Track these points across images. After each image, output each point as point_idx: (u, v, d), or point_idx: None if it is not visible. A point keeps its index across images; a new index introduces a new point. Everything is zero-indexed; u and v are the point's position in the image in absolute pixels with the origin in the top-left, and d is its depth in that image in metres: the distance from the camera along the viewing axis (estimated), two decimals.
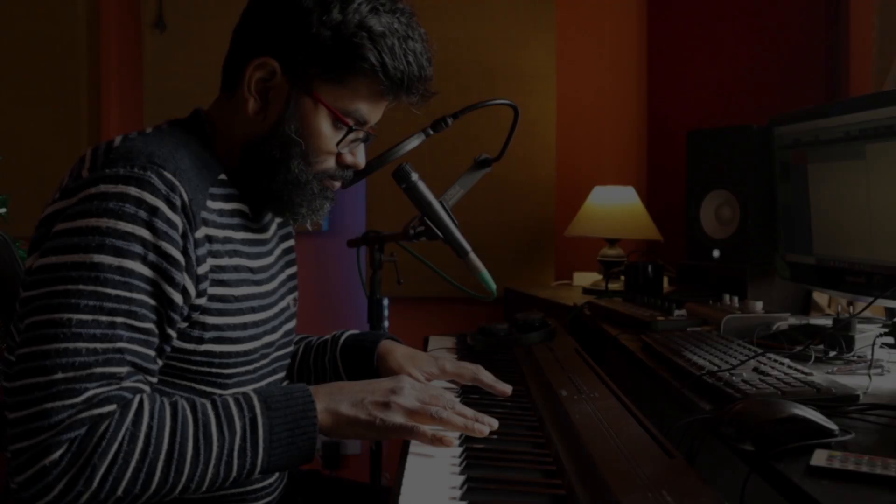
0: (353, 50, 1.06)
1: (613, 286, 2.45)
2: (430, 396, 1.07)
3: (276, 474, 1.20)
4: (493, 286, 1.51)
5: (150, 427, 0.91)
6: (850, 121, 1.52)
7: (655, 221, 2.67)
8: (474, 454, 1.00)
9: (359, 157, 1.17)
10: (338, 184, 1.18)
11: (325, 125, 1.10)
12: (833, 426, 0.93)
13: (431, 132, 1.45)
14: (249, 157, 1.12)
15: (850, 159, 1.52)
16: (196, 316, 1.03)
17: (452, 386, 1.34)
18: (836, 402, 1.08)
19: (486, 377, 1.30)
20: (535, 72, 2.92)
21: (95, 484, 0.88)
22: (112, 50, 3.04)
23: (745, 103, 2.68)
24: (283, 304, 1.22)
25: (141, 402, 0.93)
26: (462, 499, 0.87)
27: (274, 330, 1.17)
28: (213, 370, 1.06)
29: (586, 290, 2.55)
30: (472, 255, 1.49)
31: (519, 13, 2.91)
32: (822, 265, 1.66)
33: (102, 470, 0.88)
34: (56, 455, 0.87)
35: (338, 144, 1.13)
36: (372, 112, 1.13)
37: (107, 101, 3.03)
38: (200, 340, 1.04)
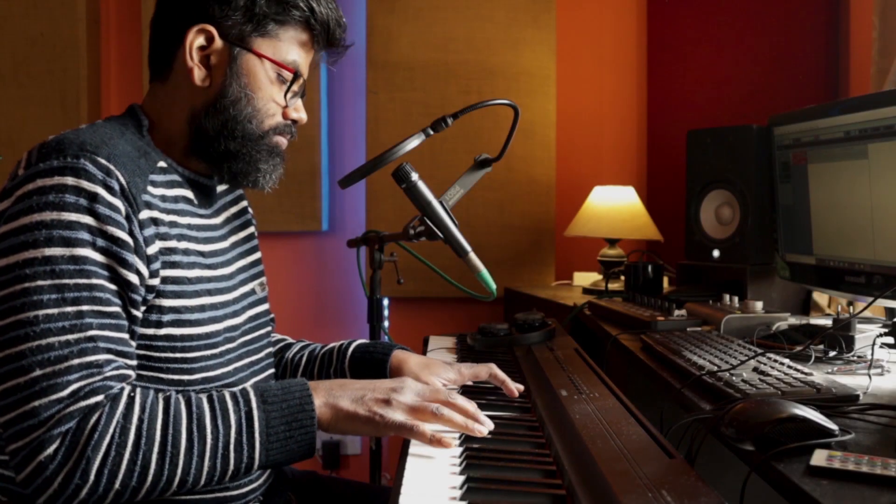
0: (284, 1, 1.14)
1: (613, 286, 2.45)
2: (432, 392, 1.09)
3: None
4: (493, 286, 1.51)
5: (140, 420, 0.93)
6: (850, 121, 1.52)
7: (655, 221, 2.67)
8: (474, 454, 1.00)
9: (301, 112, 1.22)
10: (285, 141, 1.22)
11: (268, 79, 1.16)
12: (833, 426, 0.93)
13: (431, 132, 1.45)
14: (202, 124, 1.15)
15: (852, 159, 1.52)
16: (152, 299, 1.04)
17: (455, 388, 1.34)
18: (836, 402, 1.08)
19: (501, 373, 1.31)
20: (535, 72, 2.92)
21: (92, 477, 0.89)
22: (112, 50, 3.04)
23: (745, 103, 2.68)
24: (244, 290, 1.23)
25: (131, 395, 0.94)
26: (462, 499, 0.87)
27: (236, 314, 1.19)
28: (177, 355, 1.07)
29: (586, 290, 2.56)
30: (472, 255, 1.49)
31: (519, 13, 2.91)
32: (822, 265, 1.66)
33: (97, 463, 0.89)
34: (50, 450, 0.89)
35: (285, 96, 1.18)
36: (304, 64, 1.20)
37: (107, 101, 3.03)
38: (159, 324, 1.05)
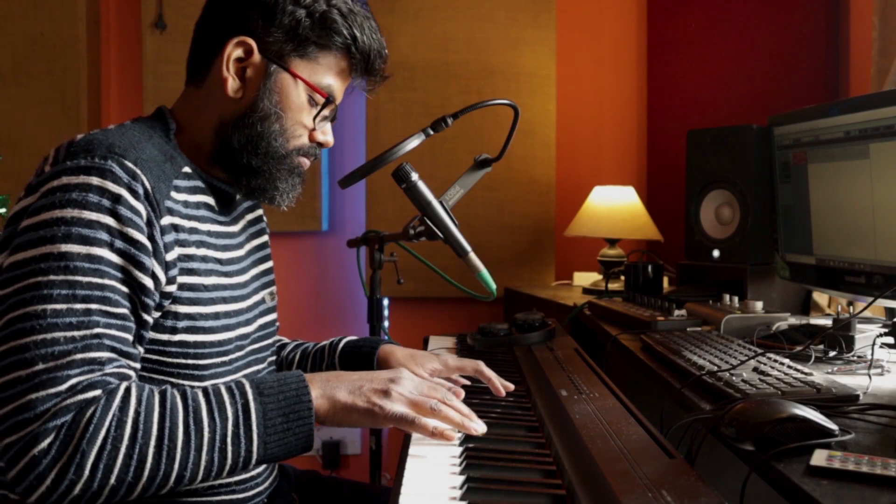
0: (328, 26, 1.14)
1: (613, 286, 2.45)
2: (429, 388, 1.08)
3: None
4: (493, 286, 1.51)
5: (137, 413, 0.91)
6: (850, 121, 1.52)
7: (655, 221, 2.67)
8: (474, 454, 1.00)
9: (328, 135, 1.23)
10: (308, 162, 1.22)
11: (301, 100, 1.16)
12: (833, 426, 0.93)
13: (431, 132, 1.45)
14: (229, 135, 1.14)
15: (853, 159, 1.52)
16: (167, 305, 1.04)
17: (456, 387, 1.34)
18: (836, 402, 1.07)
19: (487, 370, 1.31)
20: (535, 72, 2.92)
21: (87, 471, 0.88)
22: (112, 50, 3.05)
23: (745, 103, 2.68)
24: (257, 298, 1.23)
25: (128, 389, 0.93)
26: (462, 499, 0.87)
27: (248, 322, 1.18)
28: (189, 361, 1.07)
29: (586, 290, 2.56)
30: (472, 255, 1.49)
31: (519, 13, 2.91)
32: (822, 265, 1.66)
33: (92, 456, 0.88)
34: (44, 444, 0.87)
35: (314, 119, 1.18)
36: (339, 90, 1.20)
37: (107, 101, 3.03)
38: (174, 330, 1.05)
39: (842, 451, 0.88)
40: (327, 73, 1.17)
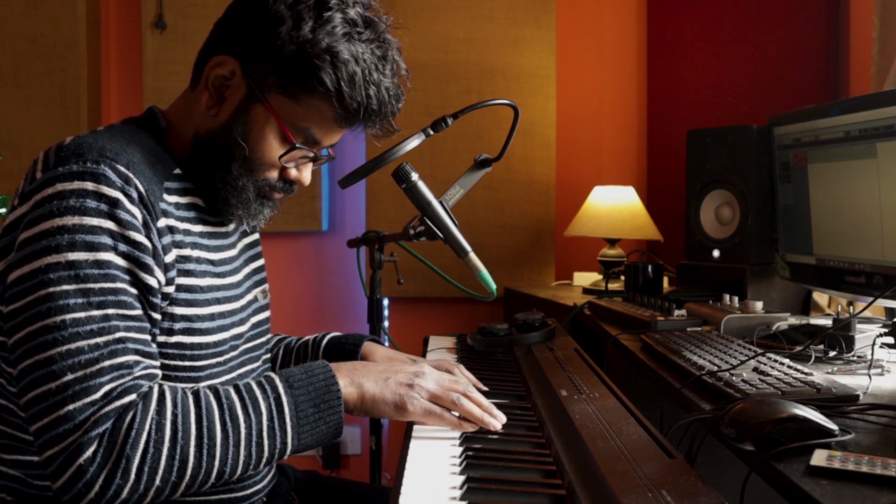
0: (311, 70, 1.05)
1: (613, 286, 2.45)
2: (451, 381, 1.12)
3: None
4: (493, 286, 1.51)
5: (174, 415, 0.93)
6: (850, 121, 1.52)
7: (655, 221, 2.67)
8: (474, 454, 1.01)
9: (304, 174, 1.17)
10: (279, 195, 1.17)
11: (272, 136, 1.10)
12: (833, 426, 0.93)
13: (431, 132, 1.45)
14: (197, 149, 1.13)
15: (858, 158, 1.52)
16: (165, 306, 1.04)
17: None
18: (836, 402, 1.08)
19: (461, 368, 1.33)
20: (535, 72, 2.92)
21: (133, 475, 0.89)
22: (112, 50, 3.05)
23: (745, 103, 2.68)
24: (249, 297, 1.23)
25: (162, 392, 0.94)
26: (462, 499, 0.87)
27: (242, 322, 1.19)
28: (186, 363, 1.07)
29: (586, 290, 2.56)
30: (472, 255, 1.49)
31: (519, 13, 2.91)
32: (823, 265, 1.66)
33: (137, 461, 0.90)
34: (89, 452, 0.89)
35: (280, 158, 1.12)
36: (325, 136, 1.13)
37: (107, 101, 3.03)
38: (171, 332, 1.05)
39: (842, 451, 0.88)
40: (307, 118, 1.09)
